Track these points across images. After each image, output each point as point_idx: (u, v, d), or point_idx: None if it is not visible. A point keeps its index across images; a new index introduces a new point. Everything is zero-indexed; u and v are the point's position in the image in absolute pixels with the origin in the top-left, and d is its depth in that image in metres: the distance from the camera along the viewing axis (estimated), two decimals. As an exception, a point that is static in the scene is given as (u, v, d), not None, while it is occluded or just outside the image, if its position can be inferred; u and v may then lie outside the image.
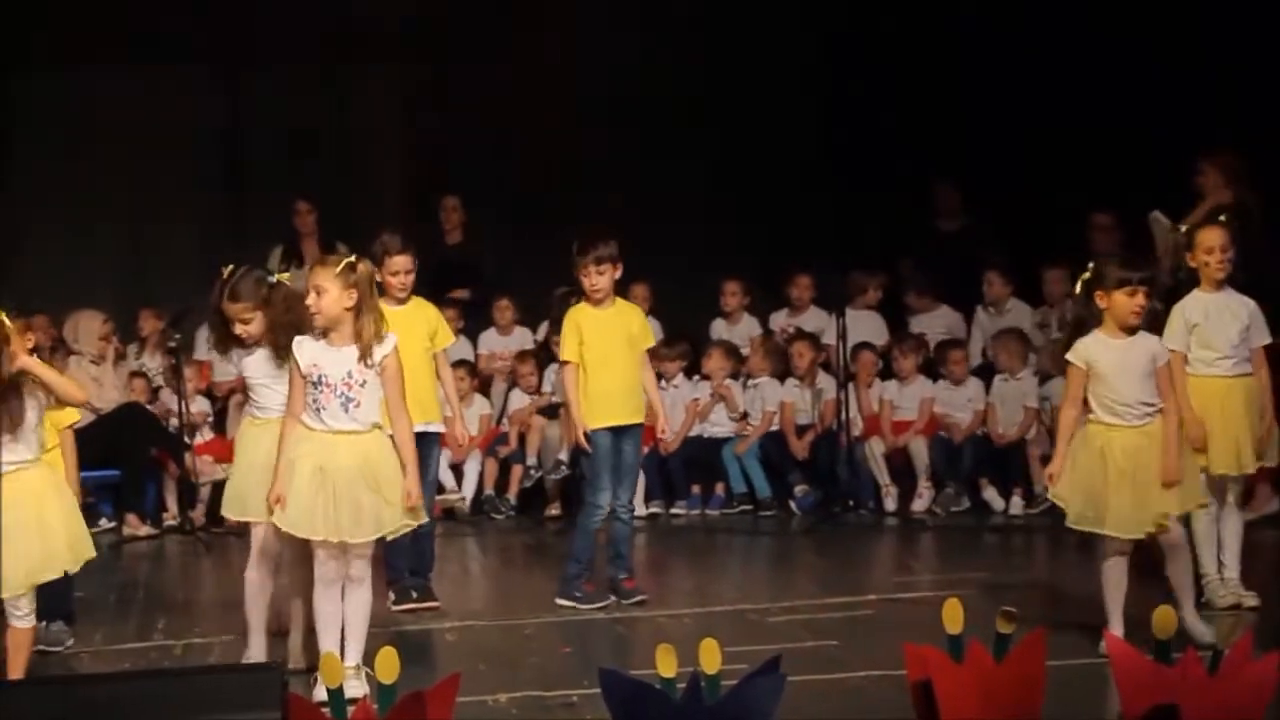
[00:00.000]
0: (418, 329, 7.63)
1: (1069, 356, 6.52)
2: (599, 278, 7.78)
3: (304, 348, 6.10)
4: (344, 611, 6.16)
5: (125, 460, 10.45)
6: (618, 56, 12.66)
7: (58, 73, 12.19)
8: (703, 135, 12.64)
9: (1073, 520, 6.52)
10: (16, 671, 6.09)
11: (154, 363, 11.47)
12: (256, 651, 6.58)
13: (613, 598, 7.84)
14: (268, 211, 11.93)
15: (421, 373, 7.48)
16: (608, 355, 7.78)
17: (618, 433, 7.81)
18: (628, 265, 11.90)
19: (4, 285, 10.93)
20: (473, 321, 12.02)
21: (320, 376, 6.05)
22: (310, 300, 6.06)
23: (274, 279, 6.57)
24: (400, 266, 7.65)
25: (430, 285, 12.16)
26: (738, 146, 12.59)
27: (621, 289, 11.58)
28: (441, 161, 12.82)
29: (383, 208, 12.65)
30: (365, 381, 6.07)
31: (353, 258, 6.13)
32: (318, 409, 6.07)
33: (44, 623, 6.66)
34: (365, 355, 6.05)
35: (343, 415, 6.06)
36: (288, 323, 6.37)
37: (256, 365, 6.48)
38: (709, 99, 12.69)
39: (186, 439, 10.65)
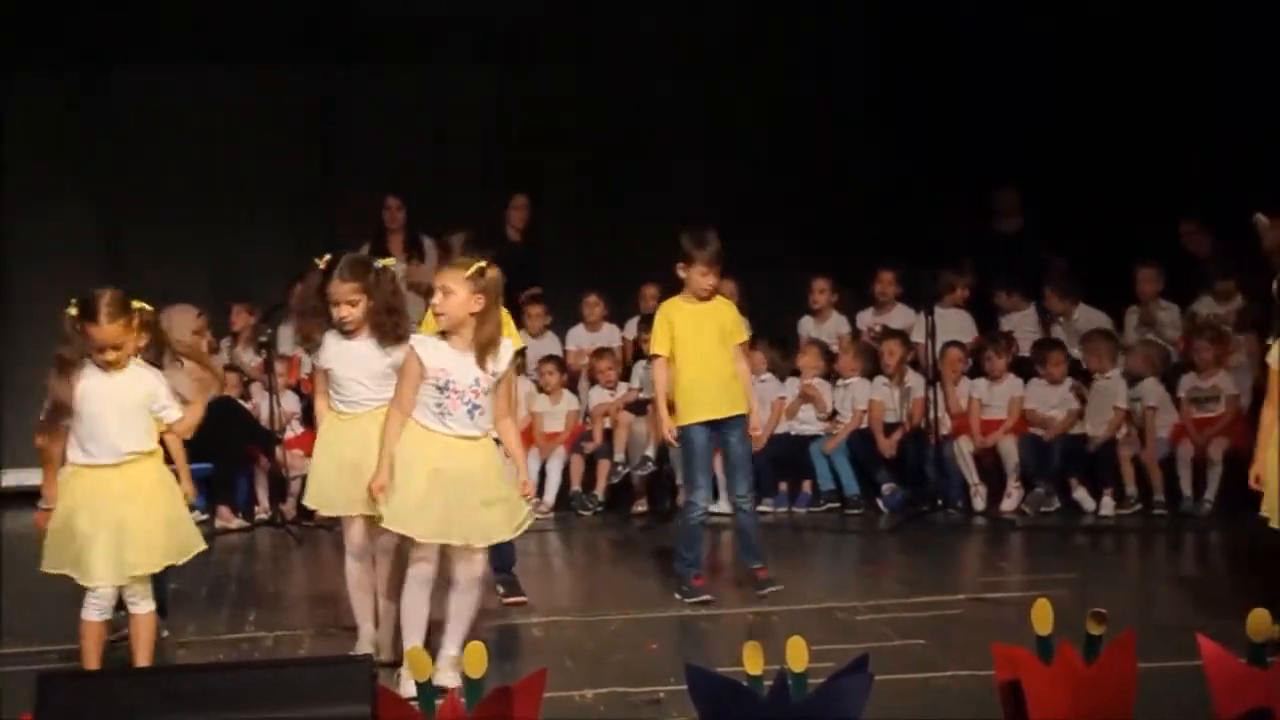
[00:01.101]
0: None
1: (1268, 359, 6.54)
2: (712, 275, 7.79)
3: (428, 348, 6.07)
4: (451, 607, 6.19)
5: (218, 454, 10.54)
6: (701, 57, 12.70)
7: (154, 71, 12.34)
8: (786, 134, 12.63)
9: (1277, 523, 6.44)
10: (143, 658, 6.20)
11: (246, 358, 11.58)
12: (365, 642, 6.64)
13: (708, 596, 7.83)
14: (356, 207, 12.01)
15: None
16: (700, 349, 7.78)
17: (718, 426, 7.80)
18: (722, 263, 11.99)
19: (100, 280, 11.07)
20: (561, 318, 12.07)
21: (448, 382, 6.03)
22: (436, 300, 6.05)
23: (379, 264, 6.61)
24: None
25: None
26: (822, 144, 12.57)
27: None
28: (525, 159, 12.87)
29: (467, 205, 12.73)
30: (489, 389, 6.09)
31: (484, 263, 6.08)
32: (442, 413, 6.04)
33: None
34: (487, 361, 6.04)
35: (468, 421, 6.06)
36: (391, 308, 6.42)
37: (348, 359, 6.51)
38: (791, 99, 12.67)
39: (277, 433, 10.75)
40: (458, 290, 6.00)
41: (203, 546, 6.33)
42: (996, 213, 12.45)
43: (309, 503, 6.88)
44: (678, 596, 7.87)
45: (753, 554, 7.97)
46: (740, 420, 7.87)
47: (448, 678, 5.80)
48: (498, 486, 6.13)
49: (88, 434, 6.07)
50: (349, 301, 6.45)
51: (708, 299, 7.85)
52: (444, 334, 6.08)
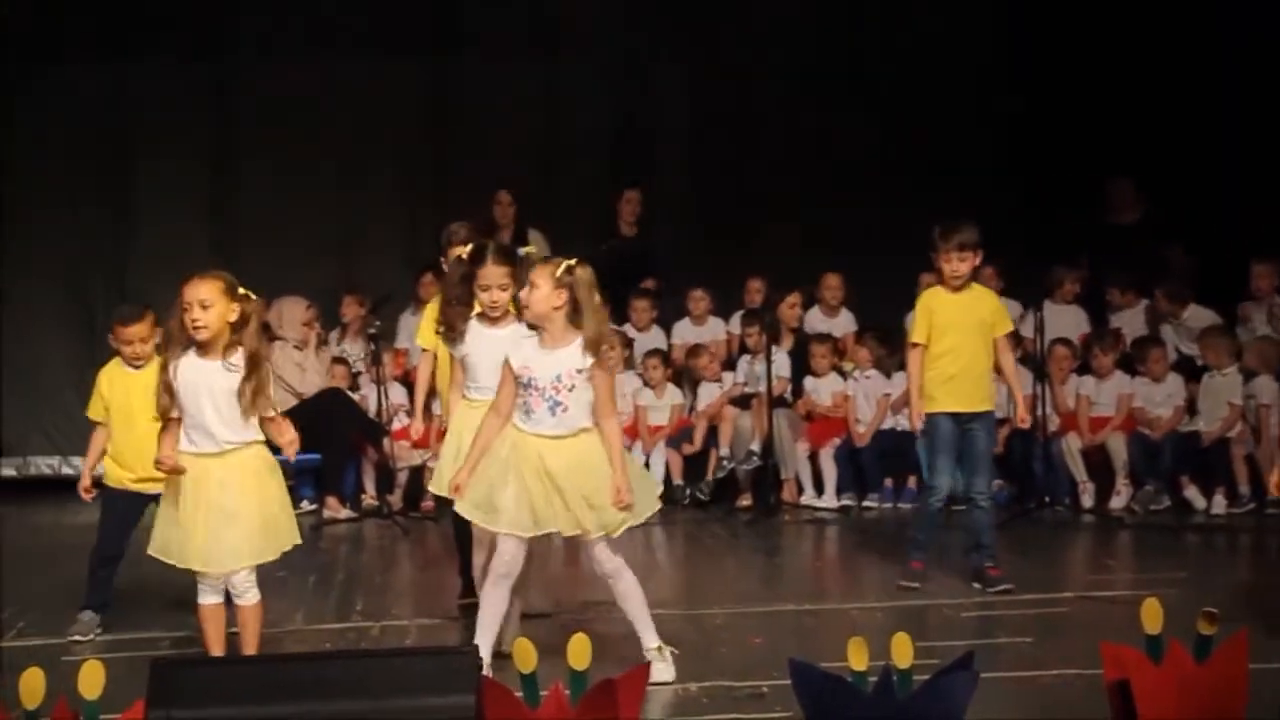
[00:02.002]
0: None
1: None
2: (960, 264, 7.75)
3: (520, 347, 6.08)
4: (621, 600, 6.30)
5: (326, 445, 10.65)
6: (809, 51, 12.68)
7: (268, 63, 12.46)
8: (890, 127, 12.56)
9: None
10: (251, 647, 6.28)
11: (355, 349, 11.69)
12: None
13: (916, 584, 7.83)
14: (467, 201, 12.05)
15: None
16: (957, 340, 7.75)
17: (963, 419, 7.77)
18: (819, 256, 11.95)
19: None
20: (666, 312, 12.08)
21: (530, 379, 6.00)
22: (523, 293, 6.06)
23: (522, 252, 6.64)
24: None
25: (608, 276, 12.33)
26: (931, 138, 12.49)
27: (807, 277, 11.67)
28: (634, 153, 12.89)
29: (582, 200, 12.78)
30: (574, 386, 6.00)
31: (573, 261, 6.06)
32: (526, 411, 6.03)
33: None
34: (591, 351, 5.99)
35: (549, 419, 6.00)
36: None
37: (487, 346, 6.52)
38: (897, 92, 12.61)
39: (385, 425, 10.84)
40: (542, 285, 5.98)
41: (298, 541, 6.36)
42: (1111, 205, 12.30)
43: (435, 488, 6.92)
44: (901, 584, 7.85)
45: (984, 551, 7.87)
46: (987, 415, 7.84)
47: (660, 671, 5.99)
48: (585, 485, 6.04)
49: (190, 421, 6.14)
50: (500, 286, 6.48)
51: (962, 288, 7.80)
52: (537, 331, 6.06)
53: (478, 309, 6.64)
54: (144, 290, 10.93)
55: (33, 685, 4.63)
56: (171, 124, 12.56)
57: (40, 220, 12.29)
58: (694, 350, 11.52)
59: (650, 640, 6.20)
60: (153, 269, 11.81)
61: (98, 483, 7.30)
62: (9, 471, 12.14)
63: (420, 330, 7.67)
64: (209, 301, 6.03)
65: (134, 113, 12.54)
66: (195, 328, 6.02)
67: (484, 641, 6.05)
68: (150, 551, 6.27)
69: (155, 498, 7.16)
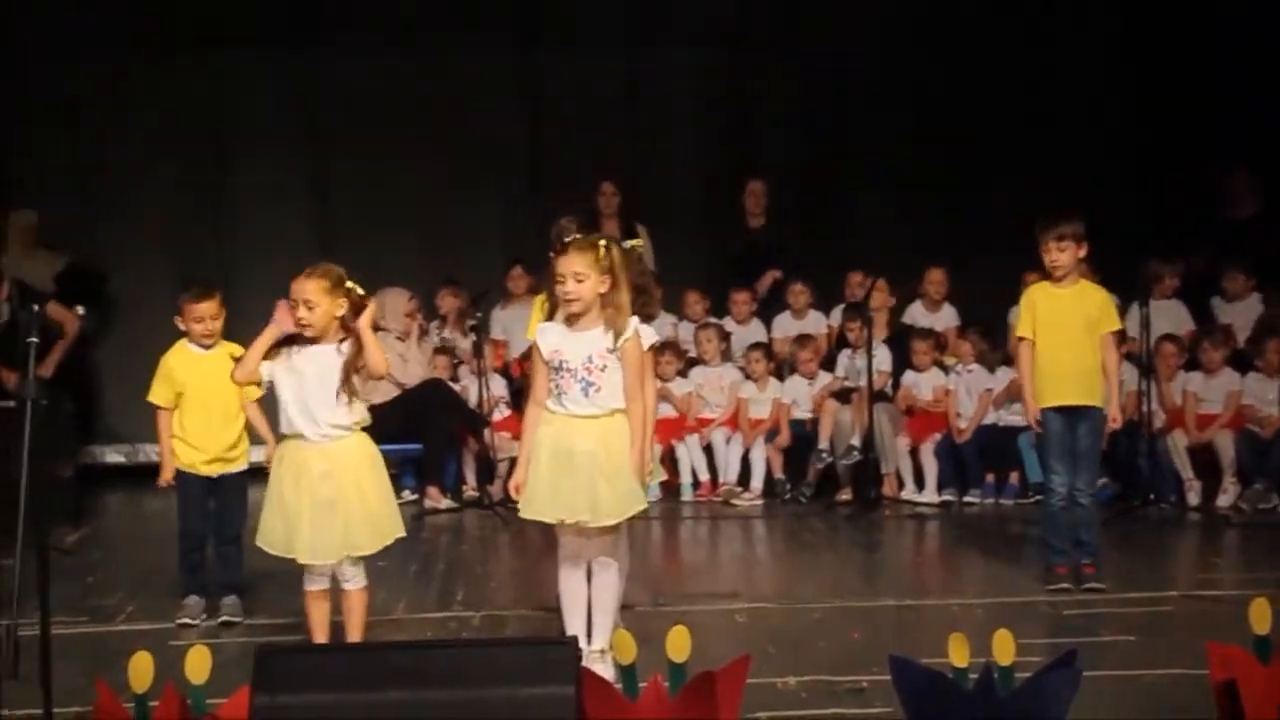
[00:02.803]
0: None
1: None
2: (1060, 254, 7.68)
3: (547, 334, 6.08)
4: (589, 593, 6.15)
5: (427, 435, 10.72)
6: (911, 48, 12.63)
7: (366, 54, 12.55)
8: (989, 124, 12.47)
9: None
10: (355, 634, 6.36)
11: (456, 340, 11.75)
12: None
13: (1066, 584, 7.73)
14: (569, 193, 12.09)
15: None
16: (1062, 334, 7.69)
17: (1069, 414, 7.70)
18: (932, 252, 11.89)
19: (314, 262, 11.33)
20: (767, 305, 12.06)
21: (561, 362, 6.01)
22: (570, 287, 5.99)
23: (627, 244, 6.63)
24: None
25: (732, 270, 12.35)
26: (1032, 133, 12.40)
27: (909, 272, 11.60)
28: (743, 145, 12.87)
29: (681, 191, 12.78)
30: (605, 366, 6.00)
31: (604, 241, 6.07)
32: (559, 394, 6.03)
33: None
34: (617, 336, 5.98)
35: (583, 400, 6.00)
36: (639, 287, 6.44)
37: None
38: (1007, 88, 12.52)
39: (485, 416, 10.90)
40: (590, 273, 5.96)
41: (401, 534, 6.43)
42: (1226, 198, 12.13)
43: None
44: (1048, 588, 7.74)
45: (1083, 549, 7.78)
46: (1093, 411, 7.73)
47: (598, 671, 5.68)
48: (615, 466, 6.02)
49: (295, 407, 6.24)
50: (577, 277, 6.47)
51: (1062, 279, 7.73)
52: (573, 318, 6.04)
53: None
54: (244, 280, 11.07)
55: (141, 669, 4.71)
56: (271, 115, 12.67)
57: (144, 210, 12.45)
58: (801, 340, 11.47)
59: (600, 641, 6.09)
60: (252, 260, 11.95)
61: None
62: (117, 458, 12.32)
63: (530, 325, 7.63)
64: (313, 301, 6.19)
65: (232, 104, 12.65)
66: (301, 325, 6.20)
67: (571, 627, 6.07)
68: (257, 543, 6.36)
69: (227, 478, 7.31)
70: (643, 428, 6.11)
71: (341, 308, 6.25)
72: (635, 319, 6.19)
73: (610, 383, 6.02)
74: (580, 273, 5.97)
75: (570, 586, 6.17)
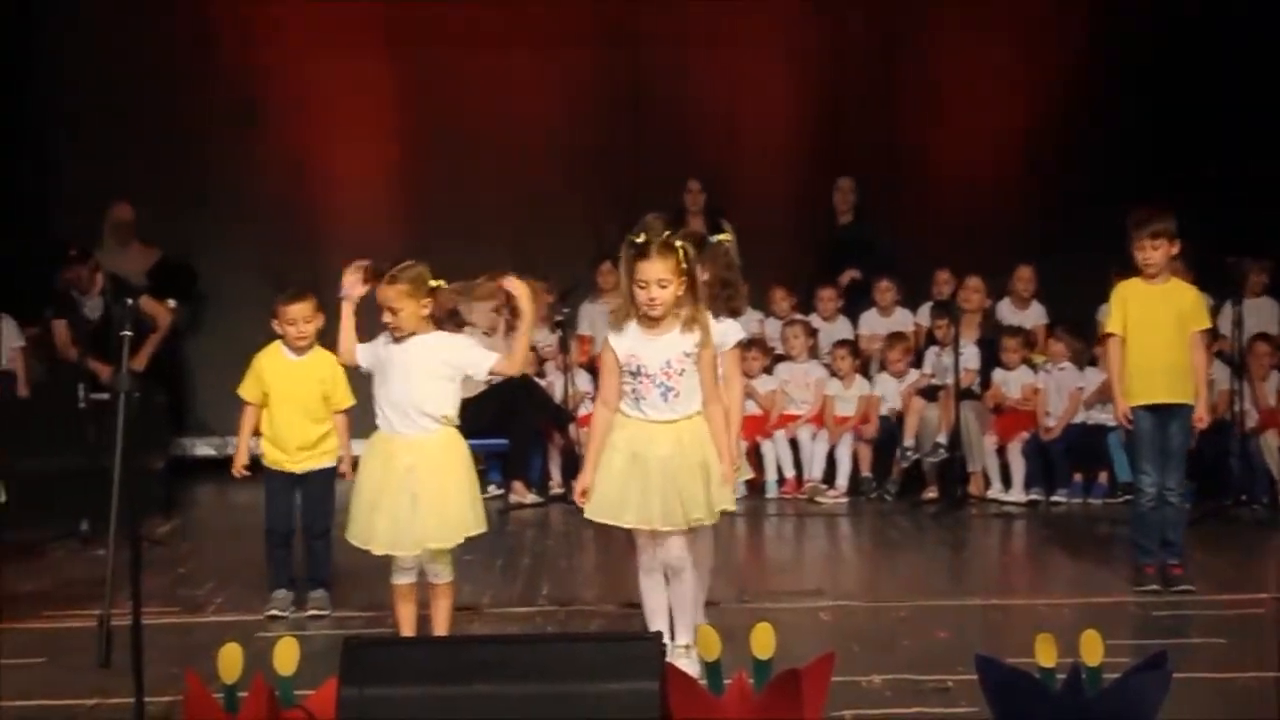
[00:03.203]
0: None
1: None
2: (1153, 252, 7.62)
3: (622, 337, 5.97)
4: (673, 595, 6.11)
5: (513, 430, 10.76)
6: (997, 42, 12.54)
7: (457, 53, 12.61)
8: (1081, 120, 12.36)
9: None
10: (441, 627, 6.41)
11: (542, 336, 11.79)
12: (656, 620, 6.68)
13: (1155, 585, 7.65)
14: (656, 189, 12.10)
15: None
16: (1153, 332, 7.63)
17: (1160, 413, 7.64)
18: (1021, 249, 11.81)
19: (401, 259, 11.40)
20: (854, 302, 12.03)
21: (639, 366, 5.92)
22: (655, 293, 5.88)
23: (714, 239, 6.62)
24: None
25: (821, 265, 12.33)
26: (1118, 129, 12.29)
27: (996, 269, 11.53)
28: (823, 142, 12.83)
29: (769, 187, 12.76)
30: (684, 370, 5.91)
31: (682, 244, 5.96)
32: (636, 399, 5.93)
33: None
34: (696, 339, 5.91)
35: (661, 405, 5.92)
36: (726, 280, 6.43)
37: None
38: (1091, 81, 12.42)
39: (571, 411, 10.93)
40: (673, 280, 5.87)
41: (483, 529, 6.45)
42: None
43: None
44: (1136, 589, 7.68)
45: (1171, 549, 7.71)
46: (1184, 410, 7.66)
47: (684, 667, 5.62)
48: (680, 475, 5.93)
49: (387, 400, 6.32)
50: (660, 282, 6.41)
51: (1155, 276, 7.66)
52: (653, 322, 5.93)
53: None
54: (337, 274, 11.14)
55: (231, 660, 4.77)
56: (363, 111, 12.76)
57: (236, 206, 12.57)
58: (891, 338, 11.41)
59: (684, 637, 6.07)
60: (346, 253, 12.00)
61: (255, 463, 7.48)
62: (208, 451, 12.45)
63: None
64: (397, 307, 6.27)
65: (326, 104, 12.75)
66: (390, 328, 6.31)
67: (654, 627, 6.06)
68: (348, 538, 6.41)
69: (314, 474, 7.40)
70: (725, 429, 6.07)
71: (427, 307, 6.32)
72: (722, 318, 6.20)
73: (688, 387, 5.95)
74: (664, 278, 5.87)
75: (650, 590, 6.16)
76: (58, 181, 12.53)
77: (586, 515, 6.11)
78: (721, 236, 6.68)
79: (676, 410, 5.96)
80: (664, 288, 5.88)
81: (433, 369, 6.33)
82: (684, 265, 5.90)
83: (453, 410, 6.38)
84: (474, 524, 6.40)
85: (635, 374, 5.95)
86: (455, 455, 6.37)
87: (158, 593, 7.52)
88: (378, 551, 6.36)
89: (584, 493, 6.06)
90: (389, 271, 6.34)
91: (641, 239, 5.95)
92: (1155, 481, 7.63)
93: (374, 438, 6.39)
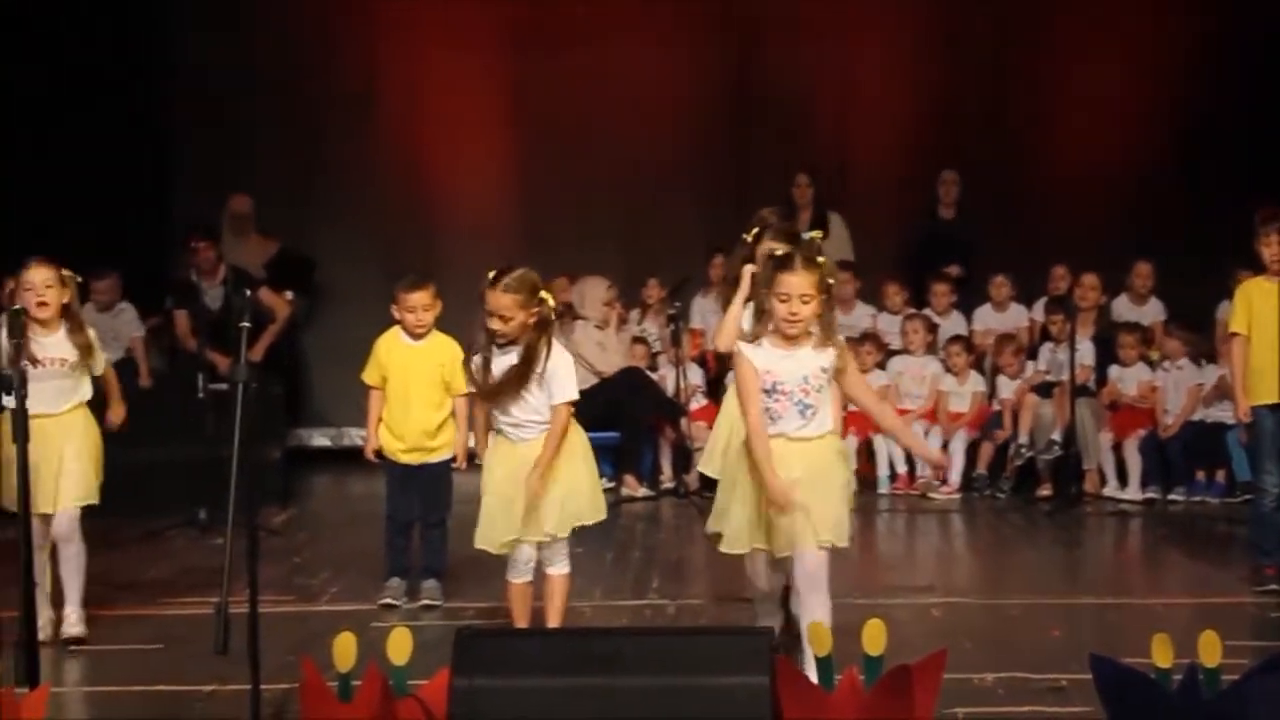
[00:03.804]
0: None
1: None
2: (1274, 249, 7.52)
3: (756, 354, 5.73)
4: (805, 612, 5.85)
5: (624, 424, 10.78)
6: (1117, 42, 12.41)
7: (573, 48, 12.65)
8: (1203, 115, 12.19)
9: None
10: (554, 618, 6.42)
11: (655, 329, 11.82)
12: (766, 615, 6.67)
13: (1274, 585, 7.53)
14: (767, 183, 12.09)
15: None
16: (1276, 330, 7.52)
17: None
18: (1125, 243, 11.66)
19: (515, 254, 11.48)
20: (967, 297, 11.94)
21: (775, 384, 5.70)
22: (796, 309, 5.65)
23: (807, 236, 6.58)
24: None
25: (919, 259, 12.25)
26: (1240, 124, 12.10)
27: (1112, 265, 11.39)
28: (935, 136, 12.74)
29: (879, 181, 12.70)
30: (821, 386, 5.72)
31: (825, 259, 5.82)
32: (772, 417, 5.70)
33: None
34: (828, 355, 5.70)
35: (797, 420, 5.69)
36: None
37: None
38: (1210, 75, 12.25)
39: (682, 405, 10.93)
40: (815, 295, 5.68)
41: (601, 516, 6.50)
42: None
43: (703, 469, 6.96)
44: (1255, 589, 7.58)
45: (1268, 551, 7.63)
46: None
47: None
48: (811, 495, 5.70)
49: (499, 409, 6.34)
50: (803, 297, 6.01)
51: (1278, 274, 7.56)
52: (792, 339, 5.71)
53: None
54: (452, 264, 11.25)
55: (345, 649, 4.82)
56: (478, 105, 12.84)
57: (354, 197, 12.70)
58: (1001, 340, 11.32)
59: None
60: (462, 244, 12.14)
61: (378, 452, 7.54)
62: (324, 441, 12.59)
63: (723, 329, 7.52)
64: (508, 315, 6.21)
65: (441, 98, 12.84)
66: (496, 334, 6.27)
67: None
68: (476, 545, 6.42)
69: (429, 466, 7.44)
70: (897, 417, 6.07)
71: (535, 316, 6.26)
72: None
73: (825, 402, 5.75)
74: (808, 294, 5.65)
75: (765, 598, 6.19)
76: (177, 174, 12.73)
77: (722, 550, 5.99)
78: (814, 234, 6.62)
79: (814, 427, 5.73)
80: (806, 303, 5.64)
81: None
82: (827, 281, 5.74)
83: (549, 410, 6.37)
84: (591, 512, 6.43)
85: (770, 392, 5.70)
86: (571, 444, 6.39)
87: (274, 581, 7.61)
88: (497, 550, 6.37)
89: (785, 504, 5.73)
90: (499, 276, 6.24)
91: (785, 250, 5.81)
92: (1277, 481, 7.50)
93: (494, 445, 6.42)
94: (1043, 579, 8.16)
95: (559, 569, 6.42)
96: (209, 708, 5.85)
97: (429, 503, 7.54)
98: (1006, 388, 11.15)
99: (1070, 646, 6.40)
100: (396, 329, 7.53)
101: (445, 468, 7.53)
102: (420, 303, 7.42)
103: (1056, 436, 10.64)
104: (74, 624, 6.79)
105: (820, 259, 5.80)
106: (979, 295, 11.93)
